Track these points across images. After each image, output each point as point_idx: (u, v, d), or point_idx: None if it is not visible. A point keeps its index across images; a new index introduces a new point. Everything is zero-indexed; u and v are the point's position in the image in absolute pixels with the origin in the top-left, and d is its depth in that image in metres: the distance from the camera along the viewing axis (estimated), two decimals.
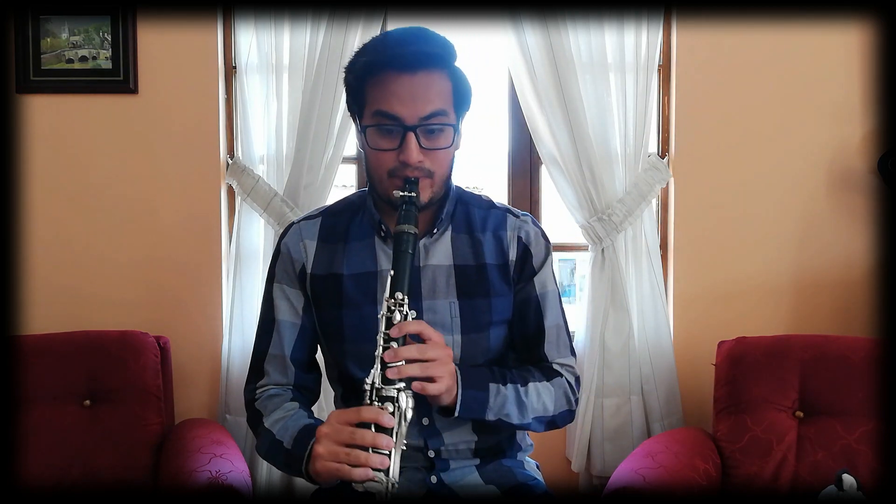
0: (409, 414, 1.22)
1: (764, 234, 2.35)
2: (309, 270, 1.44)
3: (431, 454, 1.44)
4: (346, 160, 2.39)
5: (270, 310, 1.46)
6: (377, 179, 1.37)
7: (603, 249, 2.29)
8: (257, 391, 1.46)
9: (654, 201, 2.36)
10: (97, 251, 2.32)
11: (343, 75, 1.40)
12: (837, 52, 2.31)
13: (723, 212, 2.35)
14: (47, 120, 2.30)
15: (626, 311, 2.28)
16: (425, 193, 1.35)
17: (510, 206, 1.52)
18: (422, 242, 1.43)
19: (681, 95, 2.34)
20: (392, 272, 1.26)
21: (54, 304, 2.30)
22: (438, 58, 1.34)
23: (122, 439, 2.05)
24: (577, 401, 1.48)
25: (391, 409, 1.21)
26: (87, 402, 2.08)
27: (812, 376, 2.03)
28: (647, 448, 1.97)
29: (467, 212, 1.47)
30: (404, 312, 1.25)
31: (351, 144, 2.38)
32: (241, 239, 2.32)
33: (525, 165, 2.46)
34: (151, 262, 2.32)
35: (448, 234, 1.45)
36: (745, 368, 2.05)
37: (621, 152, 2.29)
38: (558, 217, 2.42)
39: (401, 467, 1.42)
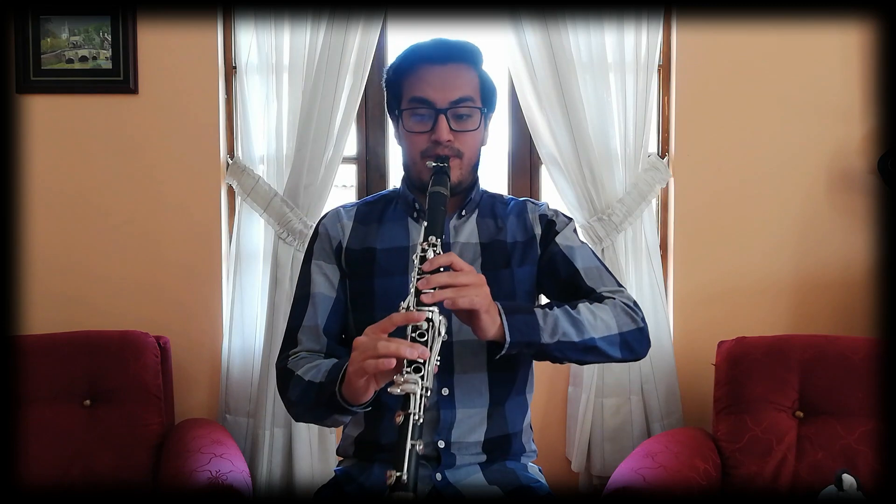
0: (443, 329, 1.25)
1: (764, 234, 2.35)
2: (345, 245, 1.52)
3: (441, 444, 1.44)
4: (346, 160, 2.39)
5: (307, 285, 1.51)
6: (412, 162, 1.49)
7: (603, 249, 2.29)
8: (289, 358, 1.47)
9: (653, 201, 2.36)
10: (97, 251, 2.32)
11: (384, 79, 1.52)
12: (837, 52, 2.31)
13: (723, 212, 2.35)
14: (47, 120, 2.30)
15: None
16: (455, 174, 1.45)
17: (529, 198, 1.63)
18: (451, 224, 1.52)
19: (681, 95, 2.34)
20: (426, 223, 1.34)
21: (55, 304, 2.30)
22: (467, 52, 1.48)
23: (122, 439, 2.05)
24: (643, 321, 1.45)
25: (425, 327, 1.23)
26: (87, 402, 2.08)
27: (812, 376, 2.03)
28: (647, 448, 1.97)
29: (492, 204, 1.58)
30: (437, 252, 1.31)
31: (351, 144, 2.38)
32: (241, 239, 2.32)
33: (525, 165, 2.46)
34: (151, 262, 2.32)
35: (474, 217, 1.54)
36: (745, 368, 2.05)
37: (621, 152, 2.29)
38: None
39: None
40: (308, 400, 1.38)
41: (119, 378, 2.08)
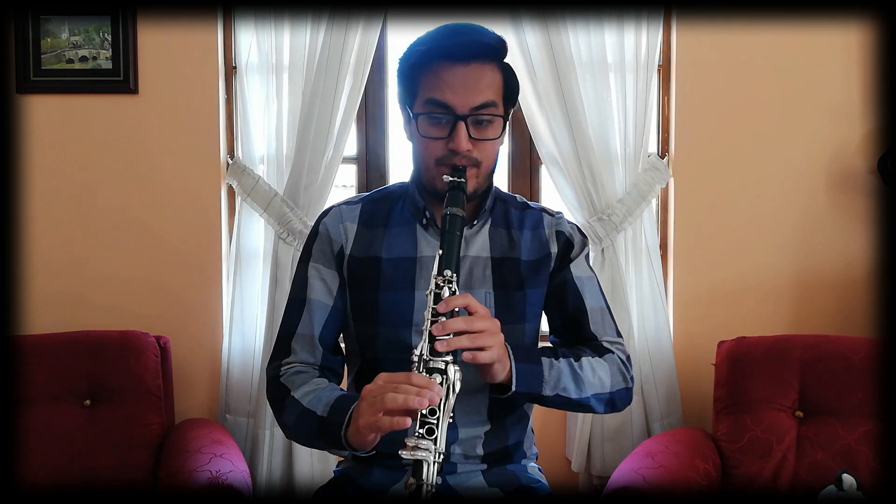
0: (458, 386, 1.20)
1: (764, 234, 2.35)
2: (348, 252, 1.44)
3: (440, 458, 1.43)
4: (346, 160, 2.39)
5: (303, 289, 1.44)
6: (424, 168, 1.39)
7: (603, 249, 2.29)
8: (282, 368, 1.42)
9: (653, 201, 2.36)
10: (97, 251, 2.32)
11: (397, 66, 1.42)
12: (837, 52, 2.31)
13: (723, 212, 2.35)
14: (47, 120, 2.30)
15: (626, 311, 2.28)
16: (471, 183, 1.36)
17: (544, 206, 1.55)
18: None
19: (681, 95, 2.34)
20: (441, 252, 1.26)
21: (55, 304, 2.30)
22: (492, 50, 1.37)
23: (122, 439, 2.05)
24: (632, 378, 1.47)
25: (439, 381, 1.19)
26: (87, 402, 2.08)
27: (812, 376, 2.03)
28: (647, 448, 1.97)
29: (505, 209, 1.50)
30: (453, 290, 1.24)
31: (351, 145, 2.38)
32: (242, 239, 2.32)
33: (525, 165, 2.46)
34: (151, 262, 2.32)
35: (487, 227, 1.46)
36: (745, 368, 2.05)
37: (621, 152, 2.29)
38: None
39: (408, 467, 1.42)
40: (306, 429, 1.33)
41: (119, 378, 2.08)
